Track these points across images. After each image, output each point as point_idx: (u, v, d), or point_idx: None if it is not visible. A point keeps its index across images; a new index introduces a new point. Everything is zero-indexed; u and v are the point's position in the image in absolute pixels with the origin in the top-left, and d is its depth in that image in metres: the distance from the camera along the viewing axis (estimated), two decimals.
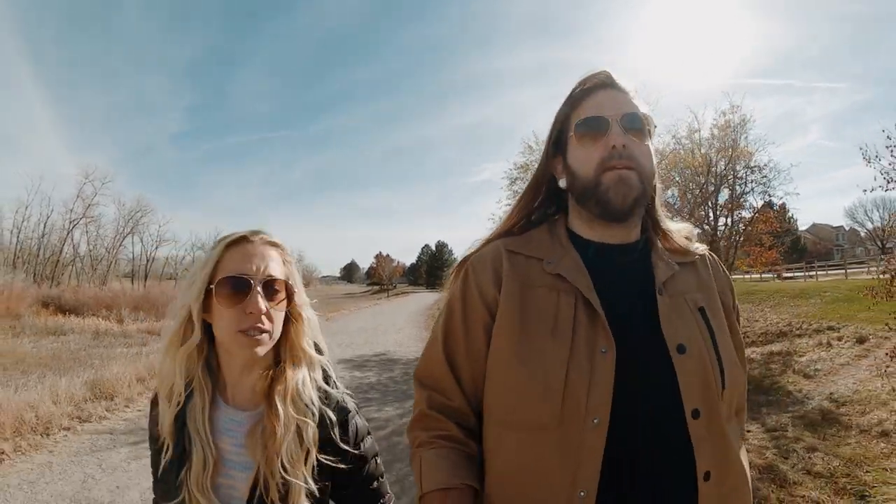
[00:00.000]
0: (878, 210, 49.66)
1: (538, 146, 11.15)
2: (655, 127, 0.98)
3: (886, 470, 3.63)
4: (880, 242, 47.82)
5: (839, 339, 8.34)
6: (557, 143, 1.01)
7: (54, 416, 5.08)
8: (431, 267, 78.41)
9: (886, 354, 5.64)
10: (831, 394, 5.79)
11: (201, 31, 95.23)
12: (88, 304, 18.07)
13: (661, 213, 1.03)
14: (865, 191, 5.82)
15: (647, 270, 0.94)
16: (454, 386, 0.97)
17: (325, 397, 1.01)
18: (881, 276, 6.25)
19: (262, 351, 0.94)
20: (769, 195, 10.38)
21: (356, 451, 1.01)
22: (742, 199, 10.40)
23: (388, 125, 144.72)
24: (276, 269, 0.96)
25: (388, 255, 71.57)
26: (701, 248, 1.03)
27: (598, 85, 0.96)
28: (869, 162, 5.60)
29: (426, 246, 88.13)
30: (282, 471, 0.91)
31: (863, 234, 52.24)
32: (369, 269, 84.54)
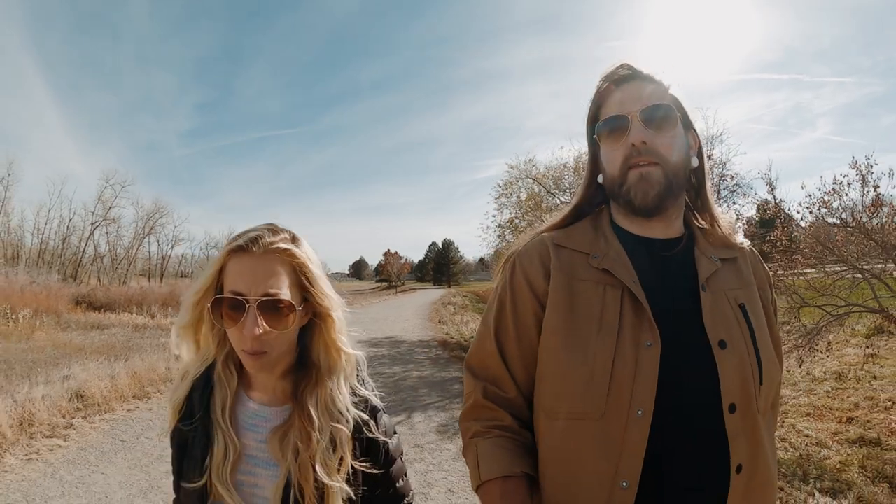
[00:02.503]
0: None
1: (523, 166, 12.23)
2: (684, 111, 0.95)
3: None
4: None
5: None
6: (593, 143, 1.02)
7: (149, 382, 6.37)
8: (438, 264, 79.65)
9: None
10: None
11: (209, 30, 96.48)
12: (119, 302, 19.33)
13: (711, 197, 1.02)
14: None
15: (691, 266, 0.94)
16: (507, 377, 0.97)
17: (357, 398, 1.00)
18: None
19: (265, 368, 0.92)
20: (737, 203, 11.37)
21: (385, 451, 1.01)
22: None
23: (394, 121, 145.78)
24: (279, 284, 0.89)
25: (396, 253, 72.95)
26: (744, 242, 1.03)
27: (619, 79, 0.96)
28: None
29: (433, 243, 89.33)
30: (317, 476, 0.90)
31: None
32: (378, 265, 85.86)
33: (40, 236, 36.32)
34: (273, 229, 0.93)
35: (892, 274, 4.99)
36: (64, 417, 5.13)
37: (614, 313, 0.89)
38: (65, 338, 11.21)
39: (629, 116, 0.92)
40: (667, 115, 0.92)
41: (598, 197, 1.07)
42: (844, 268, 4.94)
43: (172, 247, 45.40)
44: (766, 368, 0.89)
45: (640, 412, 0.83)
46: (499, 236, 12.43)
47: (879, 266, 5.06)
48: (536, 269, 0.97)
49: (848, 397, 5.98)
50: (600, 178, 1.01)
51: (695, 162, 0.97)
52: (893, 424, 4.93)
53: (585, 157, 1.09)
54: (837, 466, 3.91)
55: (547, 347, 0.93)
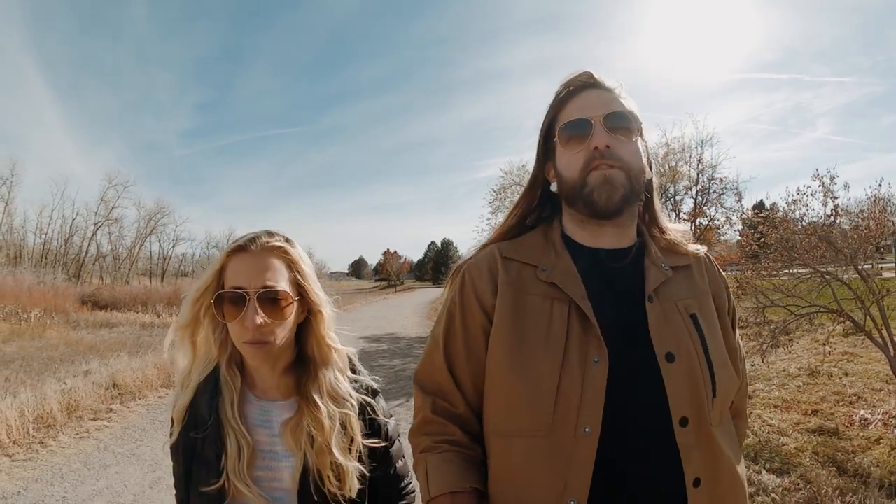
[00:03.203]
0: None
1: (516, 172, 12.70)
2: (641, 124, 0.97)
3: None
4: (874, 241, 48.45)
5: None
6: (546, 147, 1.01)
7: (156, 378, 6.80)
8: (437, 263, 80.00)
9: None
10: None
11: (208, 30, 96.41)
12: (124, 301, 19.74)
13: (660, 210, 1.02)
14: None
15: (640, 276, 0.93)
16: (456, 392, 0.97)
17: (357, 384, 1.05)
18: None
19: (268, 358, 0.96)
20: (723, 206, 11.77)
21: (385, 432, 1.05)
22: (703, 208, 11.92)
23: (394, 121, 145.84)
24: (276, 277, 0.94)
25: (395, 252, 73.36)
26: (699, 249, 1.02)
27: (581, 86, 0.96)
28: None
29: (432, 243, 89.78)
30: (334, 458, 0.94)
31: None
32: (377, 265, 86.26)
33: (43, 236, 36.79)
34: (269, 232, 1.00)
35: (881, 275, 5.40)
36: (104, 403, 5.81)
37: (561, 328, 0.88)
38: (76, 336, 11.61)
39: (592, 120, 0.92)
40: (629, 122, 0.94)
41: (540, 205, 1.07)
42: (809, 271, 5.34)
43: (174, 246, 45.84)
44: (721, 379, 0.88)
45: (587, 429, 0.82)
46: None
47: (842, 269, 5.46)
48: (485, 283, 0.97)
49: (817, 392, 6.37)
50: (553, 187, 1.01)
51: (649, 174, 0.99)
52: (854, 416, 5.34)
53: None
54: (792, 452, 4.31)
55: (493, 362, 0.93)
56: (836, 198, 4.96)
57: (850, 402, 5.92)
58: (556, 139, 0.98)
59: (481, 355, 0.96)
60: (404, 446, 1.10)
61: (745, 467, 1.06)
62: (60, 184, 44.07)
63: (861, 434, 4.86)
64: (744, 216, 6.32)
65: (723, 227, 11.50)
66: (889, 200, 5.43)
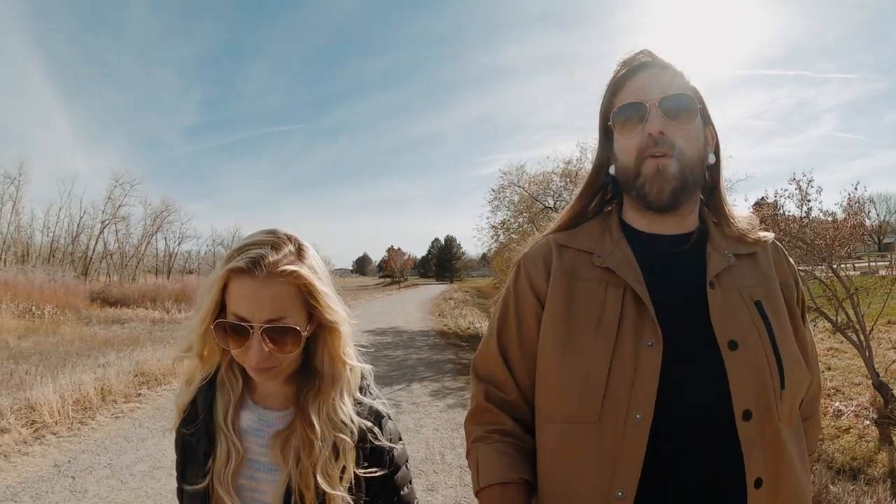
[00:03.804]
0: (874, 206, 50.28)
1: (515, 172, 13.05)
2: (703, 105, 0.93)
3: None
4: (878, 238, 48.56)
5: None
6: (606, 131, 0.98)
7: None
8: (441, 260, 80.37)
9: None
10: None
11: (211, 27, 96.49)
12: (133, 297, 20.11)
13: (725, 197, 0.99)
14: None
15: (701, 262, 0.90)
16: (509, 380, 0.96)
17: (361, 406, 0.98)
18: None
19: (271, 380, 0.93)
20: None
21: (390, 459, 0.98)
22: None
23: (397, 118, 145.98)
24: (285, 309, 0.86)
25: (399, 249, 73.87)
26: (767, 235, 0.98)
27: (638, 66, 0.93)
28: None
29: (436, 239, 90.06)
30: (318, 484, 0.89)
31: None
32: (381, 261, 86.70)
33: (50, 234, 37.34)
34: (276, 244, 0.88)
35: (869, 274, 5.68)
36: (133, 389, 6.34)
37: (614, 313, 0.86)
38: (89, 332, 11.99)
39: (647, 104, 0.88)
40: (687, 106, 0.89)
41: (603, 190, 1.04)
42: None
43: (179, 244, 46.35)
44: (789, 372, 0.83)
45: (638, 417, 0.79)
46: (492, 237, 13.31)
47: (818, 268, 5.75)
48: (539, 271, 0.96)
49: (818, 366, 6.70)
50: (612, 170, 0.98)
51: (711, 159, 0.94)
52: (828, 408, 5.66)
53: (571, 167, 1.39)
54: None
55: (543, 349, 0.91)
56: (810, 200, 5.26)
57: (829, 395, 6.22)
58: (611, 123, 0.95)
59: (534, 342, 0.94)
60: (411, 471, 1.07)
61: None
62: (68, 183, 44.82)
63: (833, 424, 5.18)
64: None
65: None
66: (864, 203, 5.73)
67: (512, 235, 12.93)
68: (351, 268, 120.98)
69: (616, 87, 0.95)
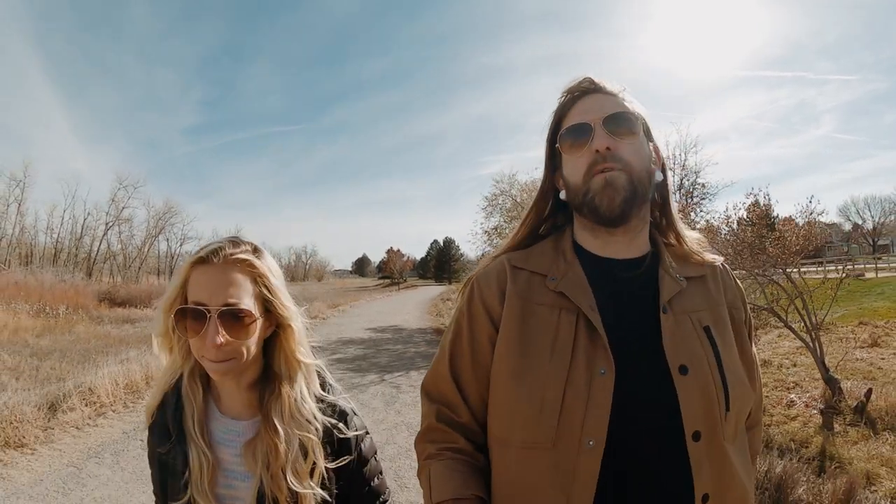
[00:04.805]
0: (869, 209, 50.68)
1: (507, 181, 13.72)
2: (646, 124, 0.96)
3: None
4: (872, 240, 49.10)
5: None
6: (553, 156, 1.01)
7: None
8: (440, 261, 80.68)
9: None
10: None
11: (211, 27, 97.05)
12: (139, 298, 20.65)
13: (676, 215, 1.01)
14: None
15: (654, 286, 0.92)
16: (461, 402, 0.97)
17: (323, 404, 1.02)
18: None
19: (230, 376, 0.94)
20: (703, 211, 12.55)
21: (358, 452, 1.02)
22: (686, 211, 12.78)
23: (397, 118, 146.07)
24: (239, 294, 0.91)
25: (398, 250, 74.49)
26: (715, 258, 1.01)
27: (582, 91, 0.97)
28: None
29: (434, 241, 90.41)
30: (289, 485, 0.92)
31: (845, 231, 52.87)
32: (380, 262, 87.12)
33: (53, 236, 37.92)
34: (234, 241, 0.95)
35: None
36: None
37: (568, 339, 0.87)
38: (102, 330, 12.53)
39: (592, 123, 0.92)
40: (630, 122, 0.93)
41: (552, 214, 1.06)
42: (744, 272, 6.26)
43: (181, 245, 46.85)
44: (734, 393, 0.87)
45: (590, 443, 0.81)
46: (486, 241, 14.02)
47: (774, 272, 6.36)
48: (493, 293, 0.96)
49: (762, 379, 7.30)
50: (562, 195, 1.00)
51: (659, 176, 0.97)
52: (784, 400, 6.27)
53: None
54: None
55: (497, 373, 0.92)
56: (771, 217, 5.87)
57: (788, 388, 6.84)
58: (558, 145, 0.98)
59: (487, 365, 0.95)
60: (382, 464, 1.12)
61: None
62: (70, 183, 45.27)
63: (783, 412, 5.80)
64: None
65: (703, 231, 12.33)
66: (818, 215, 6.36)
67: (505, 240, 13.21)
68: (350, 269, 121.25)
69: (561, 112, 0.99)
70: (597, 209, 0.91)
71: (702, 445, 0.82)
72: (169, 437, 0.97)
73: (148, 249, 44.34)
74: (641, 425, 0.83)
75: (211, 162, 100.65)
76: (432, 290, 42.72)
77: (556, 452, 0.84)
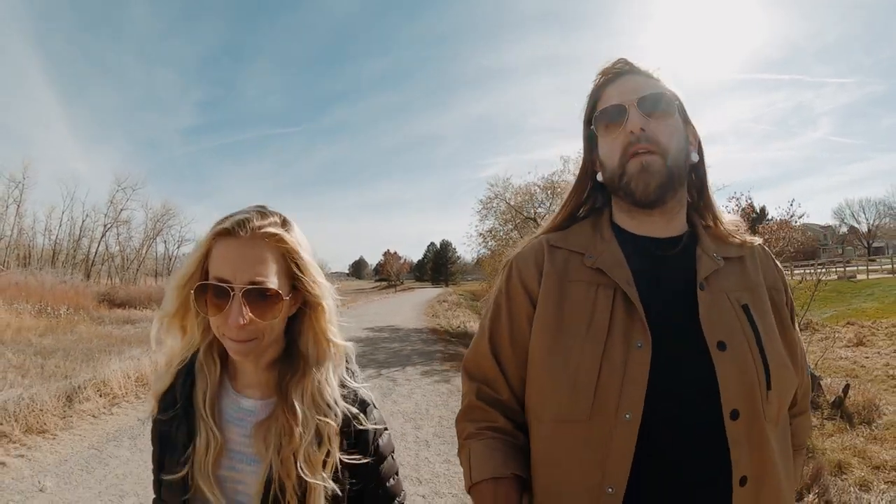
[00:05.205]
0: (864, 212, 50.70)
1: (501, 185, 14.01)
2: (681, 104, 0.95)
3: None
4: (866, 242, 49.37)
5: None
6: (591, 139, 1.01)
7: None
8: (436, 264, 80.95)
9: None
10: None
11: (211, 27, 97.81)
12: (138, 299, 20.77)
13: (713, 197, 1.01)
14: None
15: (690, 265, 0.92)
16: (501, 379, 0.97)
17: (345, 390, 0.96)
18: None
19: (251, 356, 0.89)
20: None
21: (375, 447, 0.97)
22: None
23: (396, 119, 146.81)
24: (267, 271, 0.85)
25: (395, 253, 74.51)
26: (754, 240, 1.00)
27: (616, 74, 0.97)
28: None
29: (432, 243, 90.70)
30: (299, 472, 0.87)
31: (841, 233, 53.17)
32: (377, 265, 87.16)
33: (51, 237, 37.94)
34: (262, 212, 0.88)
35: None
36: None
37: (605, 314, 0.88)
38: (104, 330, 12.67)
39: (626, 105, 0.92)
40: (664, 103, 0.92)
41: (591, 196, 1.07)
42: None
43: (179, 247, 46.86)
44: (776, 373, 0.85)
45: (627, 416, 0.81)
46: (481, 243, 14.33)
47: None
48: (531, 272, 0.97)
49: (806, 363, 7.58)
50: (599, 177, 1.00)
51: (695, 157, 0.97)
52: None
53: (553, 178, 1.50)
54: None
55: (535, 350, 0.92)
56: (753, 216, 6.13)
57: None
58: (593, 127, 0.99)
59: (525, 342, 0.95)
60: (397, 463, 1.06)
61: None
62: (68, 184, 45.55)
63: None
64: None
65: None
66: (798, 218, 6.64)
67: (500, 240, 14.03)
68: (347, 271, 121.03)
69: (596, 94, 0.99)
70: (633, 193, 0.92)
71: (740, 425, 0.81)
72: (174, 404, 0.93)
73: (146, 251, 44.38)
74: (680, 401, 0.82)
75: (210, 162, 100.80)
76: (429, 293, 42.99)
77: (592, 426, 0.84)
